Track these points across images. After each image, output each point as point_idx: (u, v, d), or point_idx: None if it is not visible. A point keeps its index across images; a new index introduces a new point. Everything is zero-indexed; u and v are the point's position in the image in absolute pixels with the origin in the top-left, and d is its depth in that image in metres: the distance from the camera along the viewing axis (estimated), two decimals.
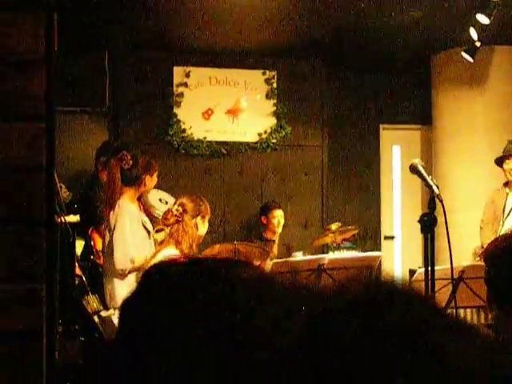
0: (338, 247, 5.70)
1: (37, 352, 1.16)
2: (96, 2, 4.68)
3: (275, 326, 0.60)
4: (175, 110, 6.37)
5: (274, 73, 6.57)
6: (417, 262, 5.93)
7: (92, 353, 2.91)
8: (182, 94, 6.38)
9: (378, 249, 6.85)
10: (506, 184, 5.21)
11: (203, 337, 0.62)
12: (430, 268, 2.71)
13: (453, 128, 6.32)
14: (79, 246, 4.69)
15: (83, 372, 2.69)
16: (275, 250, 5.66)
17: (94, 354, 2.91)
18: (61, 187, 4.29)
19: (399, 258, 7.28)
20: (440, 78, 6.48)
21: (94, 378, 2.49)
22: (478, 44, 5.36)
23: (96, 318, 3.34)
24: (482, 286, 1.90)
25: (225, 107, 6.47)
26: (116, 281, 3.72)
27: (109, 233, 3.76)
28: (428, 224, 2.69)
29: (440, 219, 2.71)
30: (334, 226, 5.49)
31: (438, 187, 2.83)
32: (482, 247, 4.95)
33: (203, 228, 3.60)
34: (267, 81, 6.55)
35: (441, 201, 2.75)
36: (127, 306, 0.73)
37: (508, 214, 5.08)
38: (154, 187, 4.16)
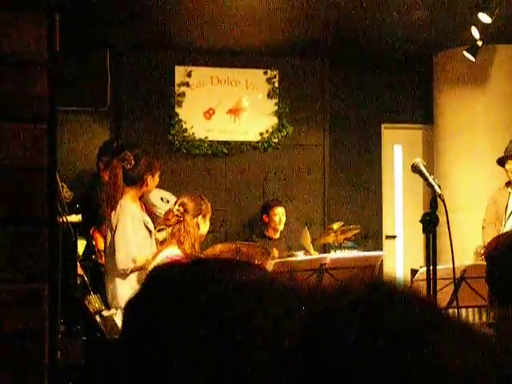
0: (340, 247, 5.71)
1: (39, 352, 1.17)
2: (97, 1, 4.69)
3: (275, 327, 0.60)
4: (177, 110, 6.38)
5: (275, 72, 6.57)
6: (418, 262, 5.93)
7: (94, 352, 2.92)
8: (183, 94, 6.39)
9: (380, 248, 6.85)
10: (508, 184, 5.20)
11: (205, 337, 0.62)
12: (431, 267, 2.71)
13: (454, 127, 6.32)
14: (81, 245, 4.70)
15: (85, 372, 2.69)
16: (280, 247, 5.65)
17: (96, 354, 2.91)
18: (62, 187, 4.30)
19: (401, 257, 7.28)
20: (442, 78, 6.48)
21: (96, 377, 2.49)
22: (479, 43, 5.35)
23: (98, 318, 3.35)
24: (483, 286, 1.90)
25: (226, 107, 6.47)
26: (118, 280, 3.73)
27: (110, 232, 3.76)
28: (430, 224, 2.69)
29: (442, 219, 2.71)
30: (335, 226, 5.49)
31: (439, 187, 2.83)
32: (484, 247, 4.95)
33: (204, 227, 3.60)
34: (269, 80, 6.55)
35: (443, 200, 2.75)
36: (130, 307, 0.73)
37: (510, 214, 5.07)
38: (156, 187, 4.16)
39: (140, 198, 3.95)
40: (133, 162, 3.81)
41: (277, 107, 6.56)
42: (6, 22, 1.17)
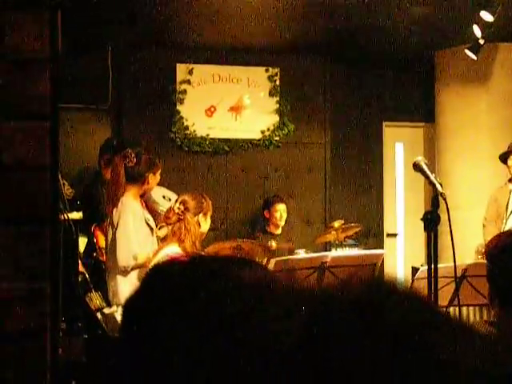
0: (341, 245, 5.71)
1: (41, 350, 1.17)
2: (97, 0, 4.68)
3: (275, 326, 0.60)
4: (178, 107, 6.38)
5: (277, 70, 6.57)
6: (419, 260, 5.93)
7: (95, 350, 2.92)
8: (184, 91, 6.39)
9: (381, 246, 6.85)
10: (511, 180, 5.19)
11: (204, 335, 0.62)
12: (433, 266, 2.71)
13: (456, 125, 6.31)
14: (82, 243, 4.70)
15: (87, 369, 2.70)
16: (280, 242, 5.65)
17: (98, 351, 2.91)
18: (64, 184, 4.30)
19: (402, 255, 7.28)
20: (443, 76, 6.47)
21: (97, 375, 2.50)
22: (481, 41, 5.34)
23: (99, 315, 3.35)
24: (485, 284, 1.90)
25: (228, 104, 6.47)
26: (119, 278, 3.73)
27: (112, 230, 3.77)
28: (431, 222, 2.69)
29: (443, 217, 2.72)
30: (336, 224, 5.49)
31: (441, 185, 2.83)
32: (485, 245, 4.94)
33: (205, 225, 3.60)
34: (270, 78, 6.55)
35: (444, 199, 2.75)
36: (130, 305, 0.73)
37: (511, 212, 5.07)
38: (157, 184, 4.16)
39: (141, 196, 3.95)
40: (134, 159, 3.81)
41: (278, 105, 6.56)
42: (8, 21, 1.17)
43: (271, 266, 3.71)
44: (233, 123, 6.49)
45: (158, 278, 0.74)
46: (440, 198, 2.76)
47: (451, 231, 2.71)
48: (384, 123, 7.21)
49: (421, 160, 2.94)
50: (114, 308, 3.53)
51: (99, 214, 4.78)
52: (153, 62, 6.28)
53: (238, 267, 0.72)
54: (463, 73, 6.21)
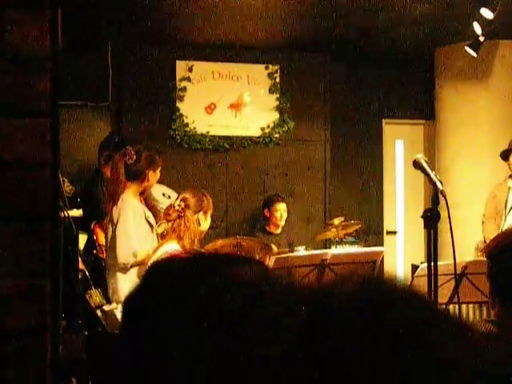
0: (341, 242, 5.71)
1: (41, 348, 1.17)
2: None
3: (275, 323, 0.60)
4: (178, 105, 6.37)
5: (277, 67, 6.56)
6: (419, 257, 5.93)
7: (95, 347, 2.92)
8: (184, 89, 6.38)
9: (381, 244, 6.86)
10: (510, 177, 5.19)
11: (204, 331, 0.62)
12: (433, 263, 2.71)
13: (456, 123, 6.31)
14: (82, 240, 4.70)
15: (87, 366, 2.70)
16: (280, 243, 5.66)
17: (98, 348, 2.92)
18: (63, 181, 4.30)
19: (401, 253, 7.29)
20: (443, 73, 6.46)
21: (97, 372, 2.50)
22: (481, 38, 5.34)
23: (99, 312, 3.35)
24: (484, 282, 1.90)
25: (228, 102, 6.46)
26: (119, 275, 3.73)
27: (112, 227, 3.77)
28: (431, 219, 2.69)
29: (443, 214, 2.71)
30: (336, 221, 5.49)
31: (441, 182, 2.83)
32: (485, 242, 4.95)
33: (205, 223, 3.59)
34: (270, 75, 6.54)
35: (444, 196, 2.75)
36: (130, 302, 0.73)
37: (511, 209, 5.07)
38: (157, 182, 4.16)
39: (141, 194, 3.95)
40: (134, 156, 3.81)
41: (278, 102, 6.55)
42: (8, 18, 1.17)
43: (271, 263, 3.72)
44: (233, 120, 6.48)
45: (157, 274, 0.74)
46: (440, 196, 2.76)
47: (451, 228, 2.71)
48: (384, 120, 7.20)
49: (421, 157, 2.94)
50: (114, 305, 3.53)
51: (99, 211, 4.78)
52: (153, 59, 6.27)
53: (237, 264, 0.72)
54: (463, 70, 6.21)
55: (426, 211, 2.73)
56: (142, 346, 0.67)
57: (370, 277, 0.63)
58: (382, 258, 4.09)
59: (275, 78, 6.55)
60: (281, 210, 5.86)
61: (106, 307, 3.43)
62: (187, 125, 6.38)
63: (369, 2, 5.10)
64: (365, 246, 5.85)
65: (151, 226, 3.83)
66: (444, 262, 3.20)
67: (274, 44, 6.31)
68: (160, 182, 4.28)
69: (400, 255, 7.27)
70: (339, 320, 0.56)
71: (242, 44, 6.28)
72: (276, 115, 6.56)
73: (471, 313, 4.06)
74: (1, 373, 1.16)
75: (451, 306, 3.58)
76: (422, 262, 4.09)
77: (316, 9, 5.32)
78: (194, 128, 6.40)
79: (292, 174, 6.61)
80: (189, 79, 6.39)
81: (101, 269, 4.26)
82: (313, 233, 6.12)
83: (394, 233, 7.27)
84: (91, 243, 4.91)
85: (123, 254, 3.65)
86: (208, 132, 6.41)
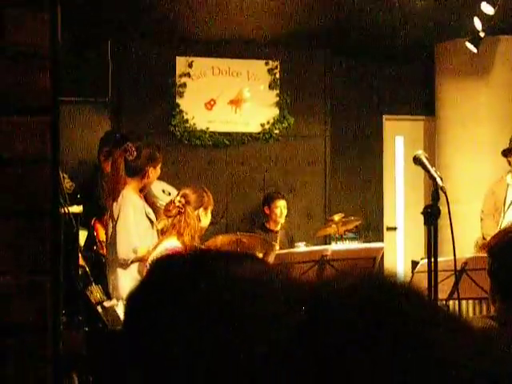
0: (341, 238, 5.71)
1: (42, 344, 1.17)
2: None
3: (275, 321, 0.60)
4: (178, 101, 6.37)
5: (276, 63, 6.55)
6: (419, 253, 5.94)
7: (96, 343, 2.93)
8: (184, 85, 6.37)
9: (381, 240, 6.86)
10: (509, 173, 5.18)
11: (204, 327, 0.62)
12: (433, 259, 2.71)
13: (456, 119, 6.30)
14: (82, 236, 4.70)
15: (87, 362, 2.70)
16: (280, 240, 5.65)
17: (98, 344, 2.92)
18: (64, 178, 4.30)
19: (401, 249, 7.29)
20: (444, 69, 6.46)
21: (98, 368, 2.50)
22: (482, 34, 5.33)
23: (99, 309, 3.36)
24: (484, 278, 1.90)
25: (227, 97, 6.45)
26: (119, 271, 3.74)
27: (112, 223, 3.77)
28: (431, 216, 2.69)
29: (443, 210, 2.72)
30: (336, 217, 5.49)
31: (441, 179, 2.83)
32: (484, 238, 4.95)
33: (206, 220, 3.59)
34: (270, 71, 6.54)
35: (444, 192, 2.75)
36: (131, 298, 0.73)
37: (509, 205, 5.06)
38: (157, 178, 4.16)
39: (141, 191, 3.95)
40: (135, 153, 3.81)
41: (278, 98, 6.55)
42: (8, 15, 1.17)
43: (271, 259, 3.72)
44: (233, 116, 6.48)
45: (158, 270, 0.74)
46: (440, 192, 2.76)
47: (451, 225, 2.71)
48: (384, 116, 7.20)
49: (421, 153, 2.94)
50: (114, 301, 3.53)
51: (99, 207, 4.78)
52: (152, 55, 6.26)
53: (238, 261, 0.72)
54: (464, 66, 6.20)
55: (426, 207, 2.73)
56: (142, 342, 0.67)
57: (370, 273, 0.63)
58: (382, 254, 4.09)
59: (275, 74, 6.54)
60: (281, 206, 5.86)
61: (107, 303, 3.44)
62: (187, 121, 6.37)
63: None
64: (365, 242, 5.85)
65: (151, 222, 3.83)
66: (444, 258, 3.20)
67: (273, 40, 6.30)
68: (160, 177, 4.28)
69: (400, 251, 7.28)
70: (339, 318, 0.56)
71: (242, 40, 6.27)
72: (276, 111, 6.55)
73: (471, 309, 4.06)
74: (1, 369, 1.16)
75: (451, 302, 3.59)
76: (422, 258, 4.09)
77: (316, 5, 5.31)
78: (194, 124, 6.39)
79: (292, 170, 6.61)
80: (189, 75, 6.38)
81: (101, 265, 4.27)
82: (313, 229, 6.12)
83: (394, 229, 7.27)
84: (91, 239, 4.92)
85: (123, 250, 3.66)
86: (208, 128, 6.41)
